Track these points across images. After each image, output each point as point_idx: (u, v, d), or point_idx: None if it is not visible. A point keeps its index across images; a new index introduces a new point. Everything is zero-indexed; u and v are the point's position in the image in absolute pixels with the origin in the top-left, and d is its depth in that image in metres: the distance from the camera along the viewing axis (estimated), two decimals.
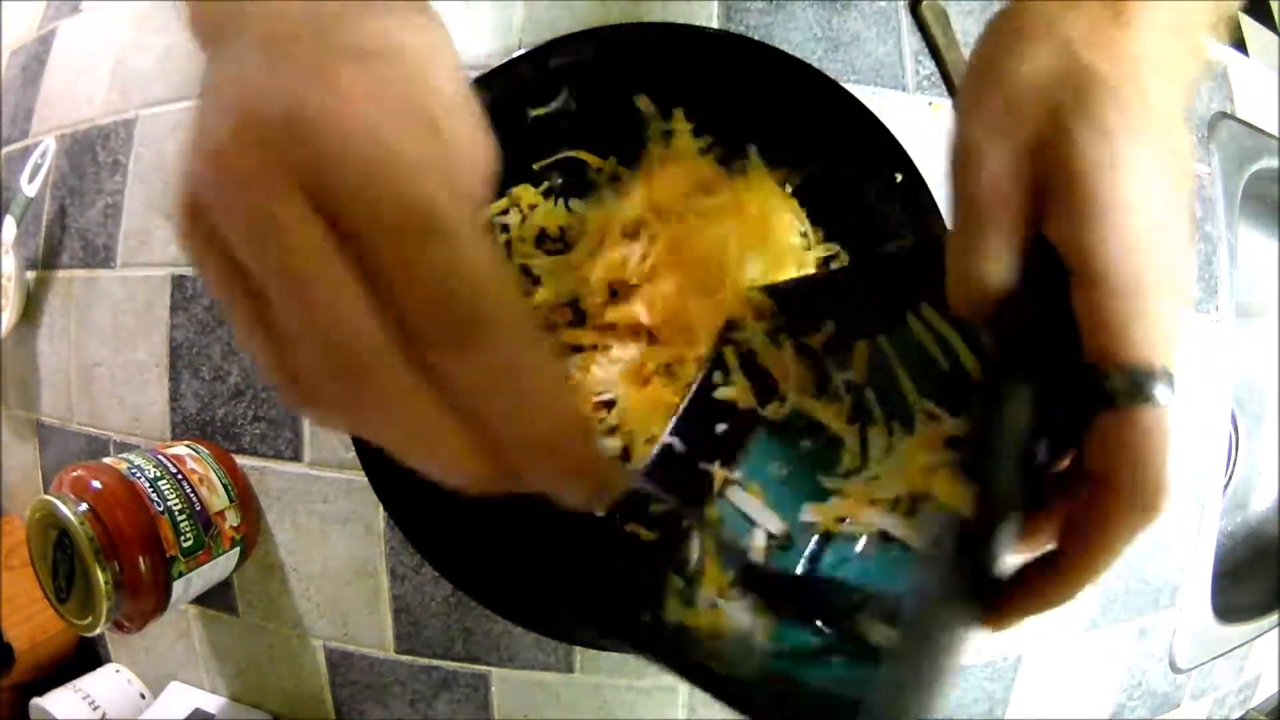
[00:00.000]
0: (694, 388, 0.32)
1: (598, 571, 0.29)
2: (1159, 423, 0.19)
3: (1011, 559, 0.22)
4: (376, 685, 0.48)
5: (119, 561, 0.40)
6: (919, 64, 0.48)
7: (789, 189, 0.43)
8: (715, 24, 0.46)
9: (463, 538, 0.41)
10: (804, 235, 0.43)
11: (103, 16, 0.57)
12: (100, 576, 0.39)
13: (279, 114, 0.15)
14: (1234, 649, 0.54)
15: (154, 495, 0.42)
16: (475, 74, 0.41)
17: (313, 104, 0.15)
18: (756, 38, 0.43)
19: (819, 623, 0.26)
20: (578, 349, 0.43)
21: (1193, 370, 0.52)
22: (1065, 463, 0.22)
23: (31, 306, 0.55)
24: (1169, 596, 0.51)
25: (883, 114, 0.40)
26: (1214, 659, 0.53)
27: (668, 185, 0.42)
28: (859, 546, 0.26)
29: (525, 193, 0.43)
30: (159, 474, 0.44)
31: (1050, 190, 0.20)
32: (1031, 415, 0.20)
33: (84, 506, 0.40)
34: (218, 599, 0.49)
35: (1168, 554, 0.51)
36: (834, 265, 0.43)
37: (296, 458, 0.48)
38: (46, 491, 0.42)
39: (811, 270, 0.42)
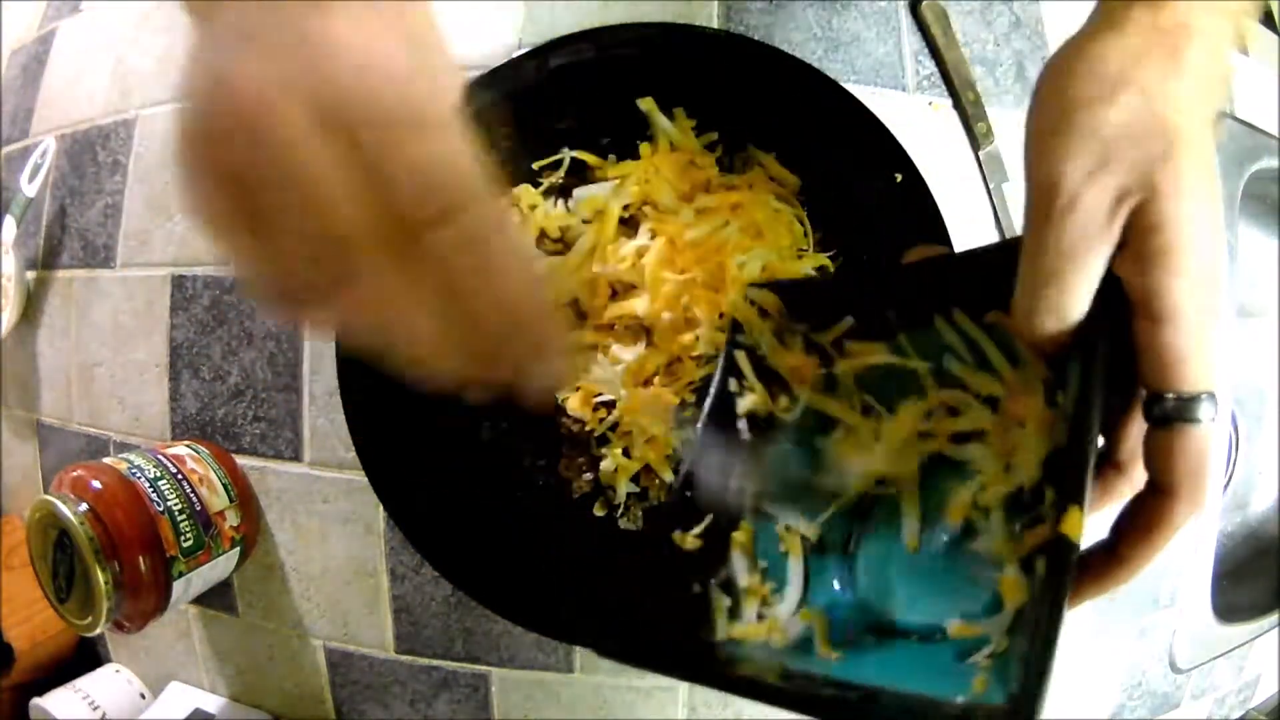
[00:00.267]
0: (711, 397, 0.32)
1: (638, 600, 0.29)
2: (1209, 439, 0.22)
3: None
4: (376, 685, 0.48)
5: (119, 561, 0.40)
6: (919, 64, 0.48)
7: (789, 189, 0.43)
8: (715, 24, 0.46)
9: (463, 538, 0.41)
10: (804, 235, 0.43)
11: (103, 16, 0.57)
12: (100, 576, 0.39)
13: (285, 40, 0.17)
14: (1234, 649, 0.54)
15: (154, 495, 0.42)
16: (475, 74, 0.41)
17: (315, 28, 0.17)
18: (756, 38, 0.43)
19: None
20: (578, 349, 0.43)
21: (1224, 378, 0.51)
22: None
23: (31, 306, 0.55)
24: (1169, 596, 0.51)
25: (883, 114, 0.40)
26: (1214, 659, 0.53)
27: (668, 185, 0.42)
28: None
29: (525, 193, 0.43)
30: (159, 474, 0.44)
31: (1132, 233, 0.22)
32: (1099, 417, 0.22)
33: (84, 506, 0.40)
34: (218, 599, 0.49)
35: (1168, 554, 0.51)
36: (835, 264, 0.43)
37: (296, 458, 0.48)
38: (46, 491, 0.42)
39: (810, 270, 0.42)
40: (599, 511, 0.43)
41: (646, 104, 0.42)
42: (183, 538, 0.43)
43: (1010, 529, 0.25)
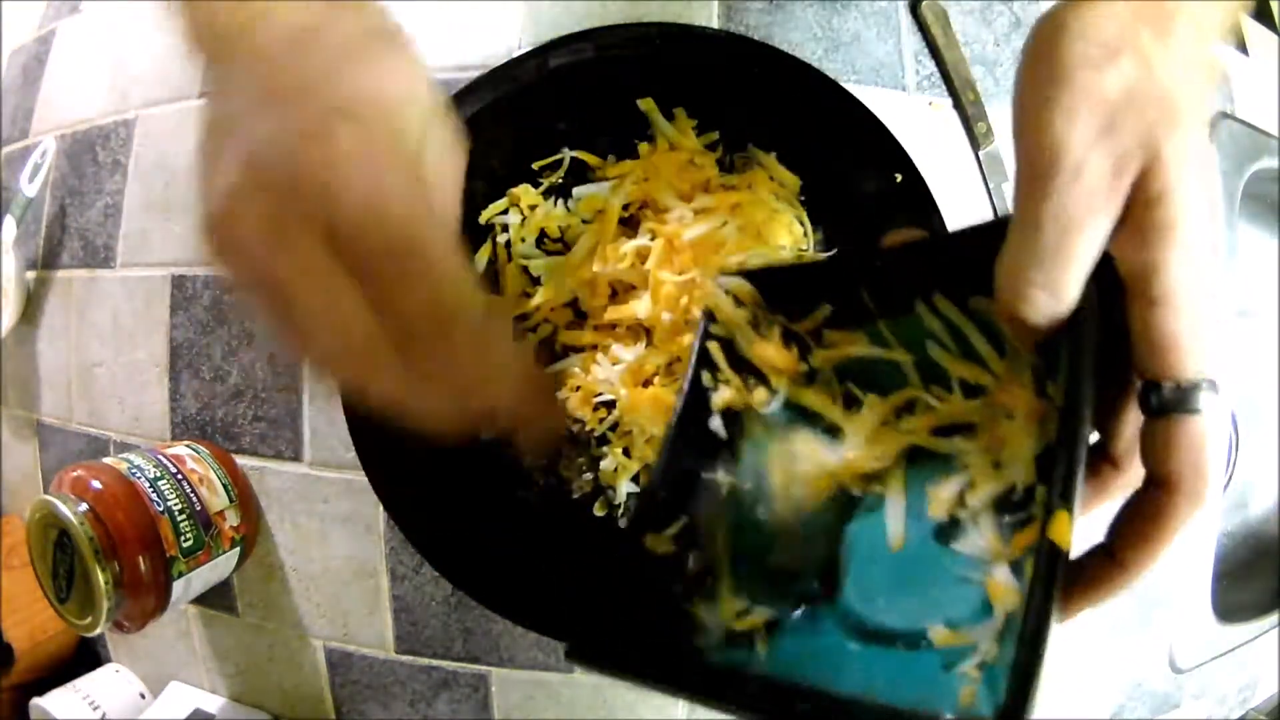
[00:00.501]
0: (684, 392, 0.31)
1: (615, 605, 0.28)
2: (1209, 429, 0.21)
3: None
4: (376, 685, 0.48)
5: (119, 561, 0.40)
6: (919, 64, 0.48)
7: (789, 189, 0.43)
8: (715, 24, 0.46)
9: (463, 538, 0.41)
10: (804, 235, 0.43)
11: (103, 16, 0.57)
12: (100, 576, 0.39)
13: (286, 174, 0.19)
14: (1234, 649, 0.54)
15: (154, 495, 0.42)
16: (475, 74, 0.41)
17: (315, 163, 0.19)
18: (756, 38, 0.43)
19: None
20: (578, 349, 0.43)
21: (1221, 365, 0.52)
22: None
23: (31, 306, 0.55)
24: (1169, 596, 0.51)
25: (883, 114, 0.40)
26: (1214, 659, 0.53)
27: (667, 185, 0.42)
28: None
29: (525, 193, 0.43)
30: (159, 474, 0.44)
31: (1132, 205, 0.20)
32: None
33: (84, 506, 0.40)
34: (218, 599, 0.49)
35: (1168, 554, 0.51)
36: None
37: (296, 458, 0.48)
38: (46, 491, 0.42)
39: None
40: (599, 511, 0.43)
41: (646, 104, 0.42)
42: (183, 538, 0.43)
43: (1000, 528, 0.24)
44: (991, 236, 0.23)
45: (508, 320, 0.24)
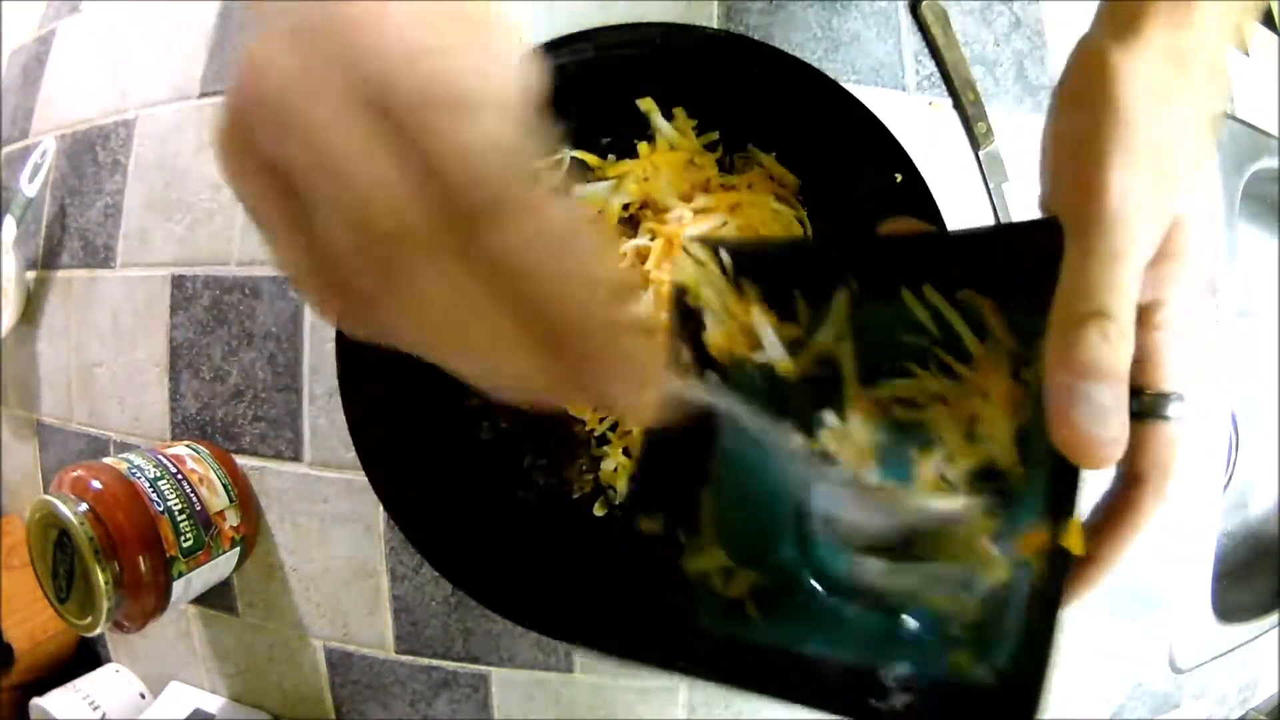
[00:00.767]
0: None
1: (616, 590, 0.28)
2: (1180, 434, 0.23)
3: None
4: (376, 685, 0.48)
5: (119, 561, 0.40)
6: (919, 64, 0.48)
7: (789, 189, 0.43)
8: (715, 24, 0.46)
9: (463, 538, 0.41)
10: (804, 234, 0.43)
11: (103, 16, 0.57)
12: (100, 576, 0.39)
13: (324, 14, 0.15)
14: (1234, 649, 0.54)
15: (154, 495, 0.42)
16: None
17: (355, 7, 0.15)
18: (756, 38, 0.43)
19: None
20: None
21: (1199, 377, 0.52)
22: None
23: (31, 306, 0.55)
24: (1169, 596, 0.51)
25: (883, 114, 0.40)
26: (1214, 659, 0.53)
27: (668, 185, 0.42)
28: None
29: None
30: (159, 474, 0.44)
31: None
32: None
33: (84, 506, 0.40)
34: (218, 599, 0.49)
35: (1168, 554, 0.51)
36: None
37: (296, 458, 0.48)
38: (46, 491, 0.42)
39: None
40: (599, 511, 0.43)
41: (646, 104, 0.42)
42: (183, 538, 0.43)
43: (984, 504, 0.25)
44: (990, 241, 0.24)
45: (597, 227, 0.18)
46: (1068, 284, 0.21)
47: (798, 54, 0.41)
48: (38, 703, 0.49)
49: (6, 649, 0.49)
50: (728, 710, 0.46)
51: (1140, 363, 0.22)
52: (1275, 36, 0.58)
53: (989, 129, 0.47)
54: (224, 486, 0.46)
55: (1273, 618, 0.56)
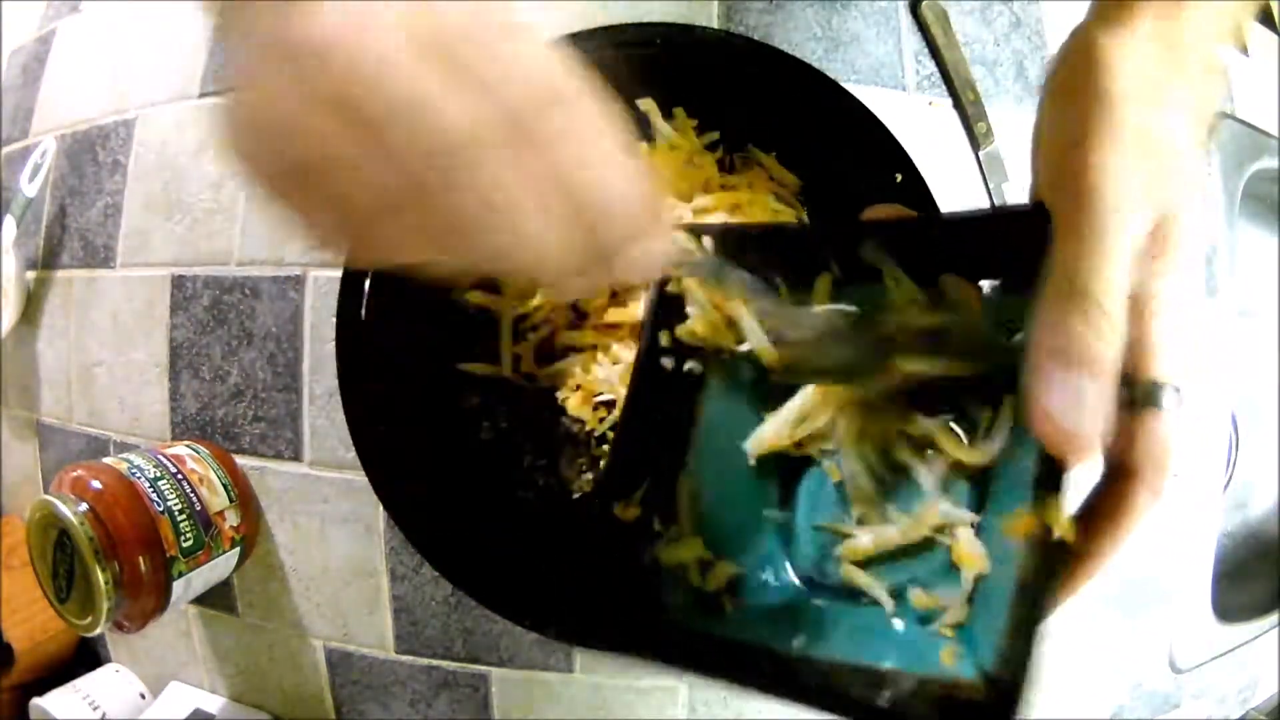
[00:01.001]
0: (641, 351, 0.31)
1: (590, 577, 0.28)
2: (1174, 426, 0.22)
3: None
4: (376, 685, 0.48)
5: (119, 561, 0.40)
6: (919, 64, 0.48)
7: (789, 189, 0.43)
8: (715, 24, 0.46)
9: (463, 538, 0.41)
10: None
11: (103, 16, 0.57)
12: (100, 576, 0.39)
13: None
14: (1234, 649, 0.54)
15: (154, 495, 0.42)
16: None
17: None
18: (756, 38, 0.43)
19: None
20: (578, 349, 0.43)
21: (1193, 370, 0.52)
22: None
23: (31, 306, 0.55)
24: (1169, 596, 0.51)
25: (883, 114, 0.40)
26: (1214, 659, 0.53)
27: (668, 185, 0.42)
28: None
29: None
30: (159, 474, 0.44)
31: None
32: None
33: (84, 506, 0.40)
34: (218, 599, 0.49)
35: (1168, 554, 0.51)
36: None
37: (296, 458, 0.48)
38: (46, 491, 0.42)
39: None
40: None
41: (646, 104, 0.42)
42: (183, 538, 0.43)
43: (963, 494, 0.25)
44: (976, 226, 0.24)
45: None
46: (1054, 270, 0.21)
47: (798, 54, 0.41)
48: (38, 703, 0.49)
49: (6, 649, 0.49)
50: (727, 710, 0.46)
51: (1133, 353, 0.22)
52: (1275, 36, 0.58)
53: (989, 129, 0.47)
54: (224, 486, 0.46)
55: (1273, 618, 0.56)
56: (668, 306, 0.30)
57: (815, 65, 0.40)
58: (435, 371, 0.43)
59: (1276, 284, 0.62)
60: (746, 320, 0.29)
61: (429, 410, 0.42)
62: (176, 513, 0.43)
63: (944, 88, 0.48)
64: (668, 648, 0.25)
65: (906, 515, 0.26)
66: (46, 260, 0.55)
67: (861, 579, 0.26)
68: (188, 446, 0.48)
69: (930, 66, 0.48)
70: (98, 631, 0.40)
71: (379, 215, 0.19)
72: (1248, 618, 0.55)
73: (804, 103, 0.41)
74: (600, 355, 0.42)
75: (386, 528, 0.46)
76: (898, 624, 0.25)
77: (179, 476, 0.44)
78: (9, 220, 0.53)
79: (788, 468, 0.29)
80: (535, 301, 0.42)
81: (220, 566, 0.45)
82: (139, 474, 0.43)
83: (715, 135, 0.43)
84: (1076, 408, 0.21)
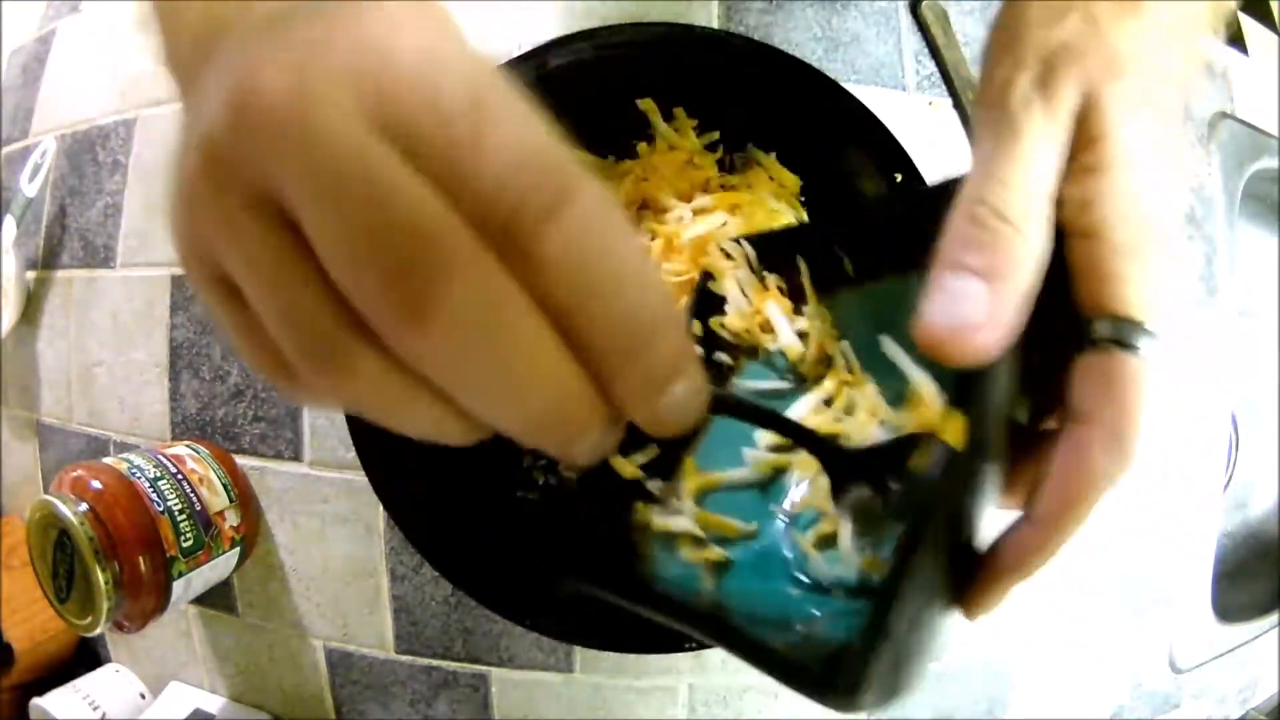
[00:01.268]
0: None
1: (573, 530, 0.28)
2: (1140, 372, 0.20)
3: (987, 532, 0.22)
4: (376, 685, 0.48)
5: (119, 561, 0.40)
6: (919, 64, 0.48)
7: (789, 189, 0.43)
8: (715, 24, 0.46)
9: (463, 538, 0.41)
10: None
11: (103, 16, 0.57)
12: (100, 576, 0.39)
13: (321, 39, 0.14)
14: (1234, 649, 0.54)
15: (154, 495, 0.42)
16: None
17: (353, 25, 0.14)
18: (756, 38, 0.43)
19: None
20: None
21: (1193, 370, 0.52)
22: (1051, 423, 0.23)
23: (31, 306, 0.55)
24: (1169, 596, 0.51)
25: (883, 114, 0.40)
26: (1214, 659, 0.53)
27: (667, 185, 0.42)
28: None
29: None
30: (159, 474, 0.44)
31: (1075, 149, 0.21)
32: (1016, 372, 0.21)
33: (84, 506, 0.40)
34: (218, 599, 0.49)
35: (1168, 554, 0.51)
36: None
37: (296, 458, 0.48)
38: (46, 491, 0.42)
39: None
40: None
41: (646, 104, 0.42)
42: (183, 538, 0.43)
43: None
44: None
45: (628, 220, 0.16)
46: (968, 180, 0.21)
47: (798, 54, 0.41)
48: (38, 703, 0.49)
49: (6, 649, 0.49)
50: (727, 710, 0.46)
51: (1085, 284, 0.20)
52: (1275, 36, 0.58)
53: None
54: (224, 486, 0.46)
55: (1273, 618, 0.56)
56: (708, 300, 0.32)
57: (815, 65, 0.40)
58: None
59: (1276, 284, 0.62)
60: (778, 318, 0.30)
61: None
62: (176, 513, 0.43)
63: (944, 88, 0.48)
64: (637, 595, 0.25)
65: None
66: (46, 260, 0.55)
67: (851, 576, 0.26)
68: (188, 446, 0.48)
69: (930, 66, 0.48)
70: (98, 631, 0.40)
71: (310, 358, 0.15)
72: (1248, 618, 0.55)
73: (804, 103, 0.41)
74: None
75: (386, 528, 0.46)
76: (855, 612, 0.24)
77: (179, 476, 0.44)
78: (9, 220, 0.53)
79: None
80: None
81: (220, 566, 0.45)
82: (139, 474, 0.43)
83: (715, 135, 0.43)
84: (948, 305, 0.19)
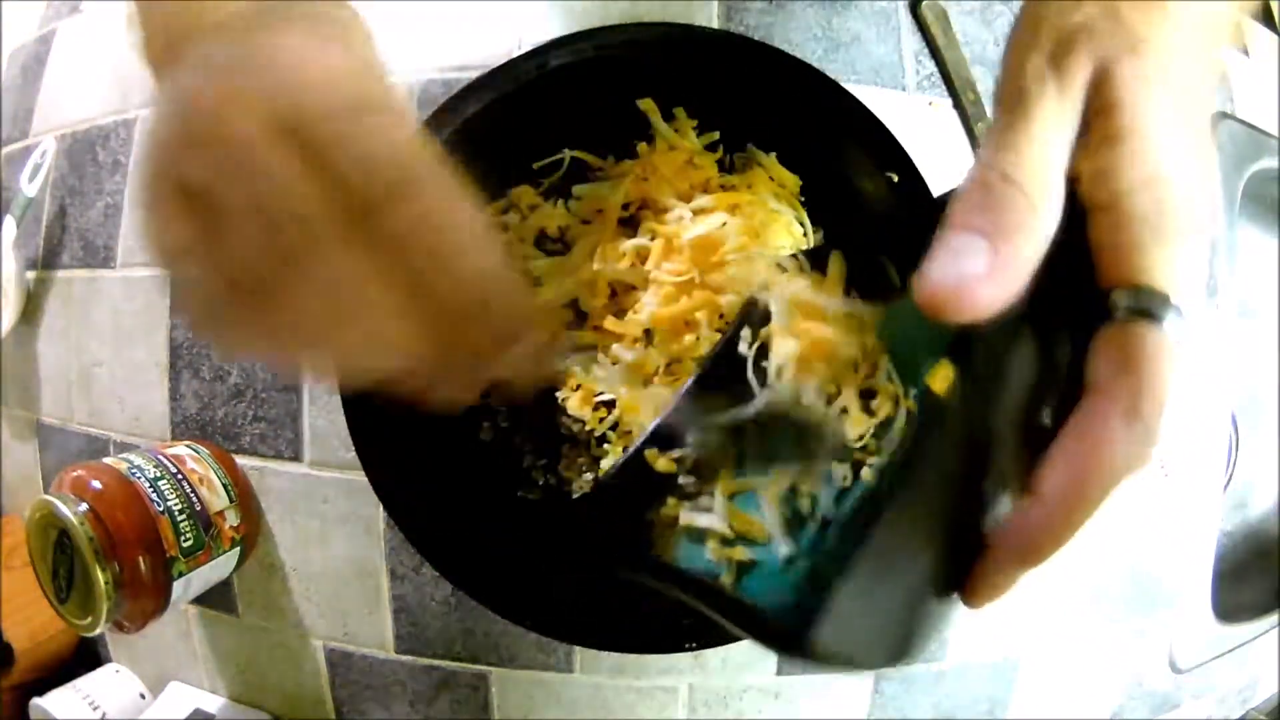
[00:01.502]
0: (723, 337, 0.31)
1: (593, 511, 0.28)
2: (1161, 343, 0.19)
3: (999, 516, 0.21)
4: (376, 685, 0.48)
5: (119, 561, 0.40)
6: (919, 64, 0.48)
7: (789, 189, 0.43)
8: (715, 24, 0.46)
9: (463, 538, 0.41)
10: (804, 235, 0.43)
11: (103, 16, 0.57)
12: (100, 576, 0.39)
13: (239, 62, 0.19)
14: (1234, 649, 0.54)
15: (154, 495, 0.42)
16: (475, 74, 0.41)
17: (263, 49, 0.19)
18: (756, 38, 0.43)
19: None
20: (578, 349, 0.43)
21: (1193, 370, 0.52)
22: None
23: (31, 306, 0.55)
24: (1169, 596, 0.51)
25: (883, 114, 0.40)
26: (1214, 659, 0.53)
27: (667, 185, 0.42)
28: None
29: (525, 193, 0.43)
30: (159, 474, 0.44)
31: (1090, 120, 0.21)
32: (1033, 360, 0.20)
33: (84, 506, 0.40)
34: (218, 599, 0.49)
35: (1168, 554, 0.51)
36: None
37: (296, 458, 0.48)
38: (46, 491, 0.42)
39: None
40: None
41: (646, 104, 0.42)
42: (183, 538, 0.43)
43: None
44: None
45: (473, 206, 0.20)
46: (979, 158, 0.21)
47: (798, 54, 0.41)
48: (38, 703, 0.49)
49: (6, 649, 0.49)
50: (728, 710, 0.46)
51: (1103, 257, 0.20)
52: (1275, 36, 0.58)
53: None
54: (224, 486, 0.46)
55: (1273, 618, 0.56)
56: (756, 312, 0.31)
57: (815, 65, 0.40)
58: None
59: (1276, 284, 0.62)
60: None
61: (429, 410, 0.42)
62: (176, 513, 0.43)
63: (944, 88, 0.48)
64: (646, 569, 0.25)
65: None
66: (46, 260, 0.55)
67: None
68: (188, 446, 0.48)
69: (930, 66, 0.48)
70: (98, 631, 0.40)
71: (227, 308, 0.19)
72: (1248, 618, 0.55)
73: (804, 103, 0.41)
74: (600, 355, 0.42)
75: (386, 528, 0.46)
76: None
77: (179, 476, 0.44)
78: (9, 220, 0.53)
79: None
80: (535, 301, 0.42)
81: (220, 566, 0.45)
82: (139, 474, 0.43)
83: (715, 135, 0.43)
84: (956, 261, 0.19)
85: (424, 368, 0.20)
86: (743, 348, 0.31)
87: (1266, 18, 0.58)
